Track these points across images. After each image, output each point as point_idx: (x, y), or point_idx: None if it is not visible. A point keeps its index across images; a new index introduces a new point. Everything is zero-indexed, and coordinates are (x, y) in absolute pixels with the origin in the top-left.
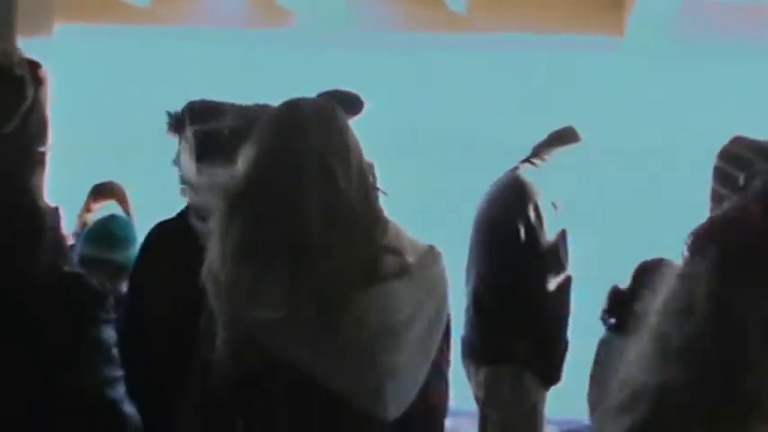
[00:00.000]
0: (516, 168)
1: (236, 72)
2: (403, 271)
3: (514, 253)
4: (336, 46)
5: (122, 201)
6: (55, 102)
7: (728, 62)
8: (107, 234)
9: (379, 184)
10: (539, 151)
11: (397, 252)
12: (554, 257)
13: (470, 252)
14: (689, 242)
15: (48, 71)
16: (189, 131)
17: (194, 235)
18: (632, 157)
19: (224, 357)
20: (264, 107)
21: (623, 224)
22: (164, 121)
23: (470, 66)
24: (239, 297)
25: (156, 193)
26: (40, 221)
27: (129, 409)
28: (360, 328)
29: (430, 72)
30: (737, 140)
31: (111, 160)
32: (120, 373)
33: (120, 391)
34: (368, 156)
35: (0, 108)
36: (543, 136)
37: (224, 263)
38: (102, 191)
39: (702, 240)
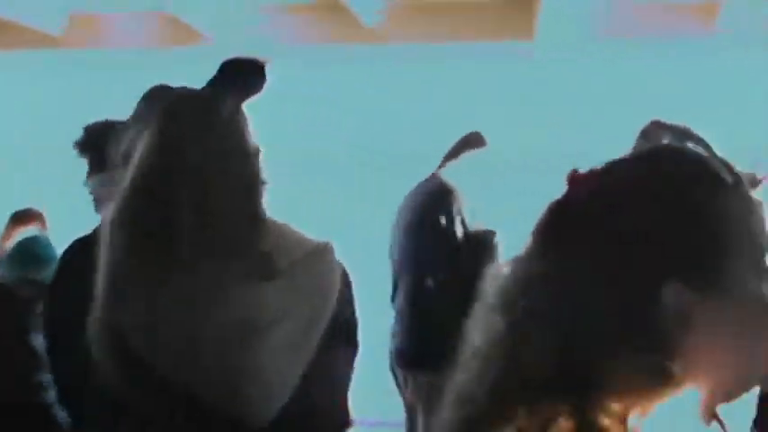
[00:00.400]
0: (435, 175)
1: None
2: (273, 273)
3: (450, 250)
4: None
5: (42, 226)
6: None
7: (640, 59)
8: (29, 254)
9: (264, 176)
10: (450, 159)
11: (268, 254)
12: (488, 250)
13: (397, 258)
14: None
15: None
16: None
17: None
18: (549, 160)
19: (100, 360)
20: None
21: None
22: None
23: (383, 77)
24: (111, 300)
25: (74, 215)
26: None
27: (60, 413)
28: (218, 331)
29: (343, 84)
30: (654, 123)
31: (27, 184)
32: (50, 378)
33: (51, 395)
34: (254, 144)
35: None
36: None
37: (103, 268)
38: (21, 217)
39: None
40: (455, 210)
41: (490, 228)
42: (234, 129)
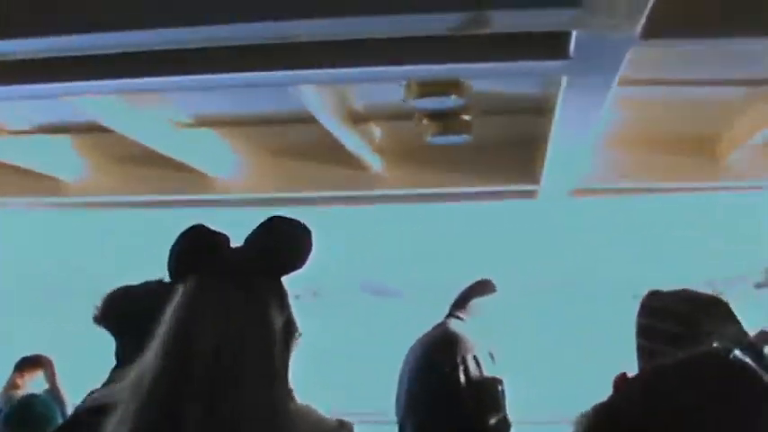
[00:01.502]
0: (444, 323)
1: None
2: None
3: (456, 401)
4: (262, 205)
5: (50, 372)
6: None
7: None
8: (28, 416)
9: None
10: (460, 304)
11: None
12: (494, 402)
13: (403, 404)
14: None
15: None
16: None
17: None
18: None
19: None
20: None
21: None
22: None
23: (393, 219)
24: None
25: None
26: None
27: None
28: None
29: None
30: (654, 295)
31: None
32: None
33: None
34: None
35: None
36: (464, 282)
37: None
38: (28, 364)
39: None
40: (459, 358)
41: (498, 374)
42: (263, 317)
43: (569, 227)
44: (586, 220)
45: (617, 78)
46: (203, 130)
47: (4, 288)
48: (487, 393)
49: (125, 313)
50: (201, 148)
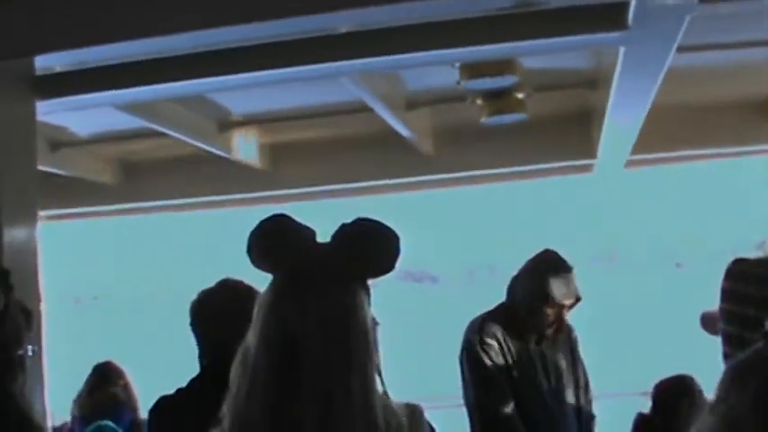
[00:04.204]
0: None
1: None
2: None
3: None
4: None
5: (123, 380)
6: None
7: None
8: None
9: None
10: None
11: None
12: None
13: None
14: (727, 374)
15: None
16: None
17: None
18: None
19: None
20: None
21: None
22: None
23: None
24: None
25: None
26: (27, 425)
27: None
28: None
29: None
30: (740, 261)
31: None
32: None
33: None
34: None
35: None
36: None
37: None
38: (103, 371)
39: (744, 373)
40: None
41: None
42: (355, 320)
43: (616, 199)
44: (633, 191)
45: (675, 46)
46: (253, 126)
47: (78, 296)
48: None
49: (216, 316)
50: (251, 145)
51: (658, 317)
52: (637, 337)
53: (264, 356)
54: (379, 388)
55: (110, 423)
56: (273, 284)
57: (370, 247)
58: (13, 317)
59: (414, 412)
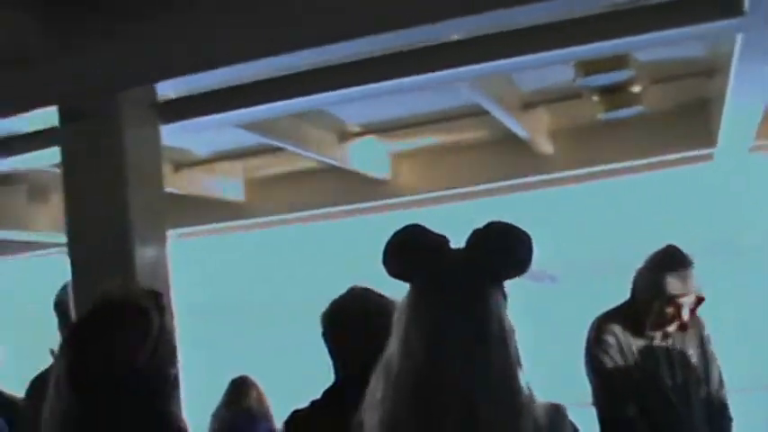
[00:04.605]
0: None
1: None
2: None
3: None
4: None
5: (257, 393)
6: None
7: None
8: None
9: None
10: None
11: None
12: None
13: None
14: None
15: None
16: None
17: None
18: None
19: None
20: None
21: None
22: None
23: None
24: None
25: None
26: None
27: None
28: None
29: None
30: None
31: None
32: None
33: None
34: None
35: (132, 341)
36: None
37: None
38: (239, 385)
39: None
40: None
41: None
42: (495, 318)
43: (739, 187)
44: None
45: None
46: (370, 137)
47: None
48: None
49: (350, 326)
50: (370, 154)
51: None
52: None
53: (407, 365)
54: (525, 389)
55: None
56: (412, 292)
57: (505, 249)
58: (168, 337)
59: (558, 411)
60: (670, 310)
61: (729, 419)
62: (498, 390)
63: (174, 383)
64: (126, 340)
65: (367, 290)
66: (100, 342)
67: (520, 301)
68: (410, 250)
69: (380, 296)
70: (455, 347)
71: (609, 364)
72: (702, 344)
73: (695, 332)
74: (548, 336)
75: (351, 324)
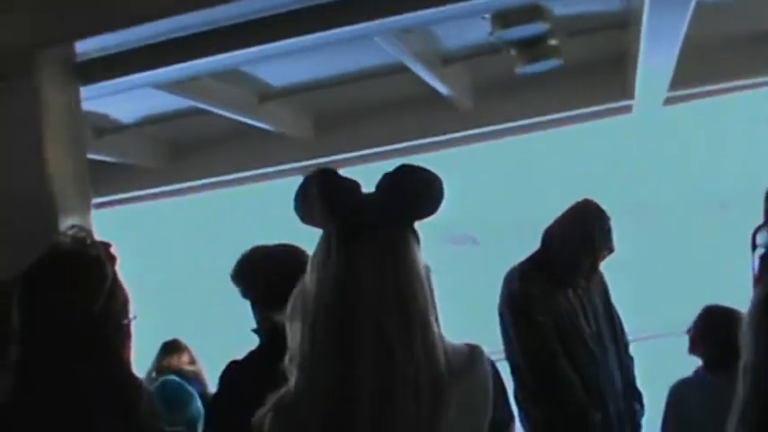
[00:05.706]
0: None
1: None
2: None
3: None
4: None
5: (190, 356)
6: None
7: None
8: (163, 400)
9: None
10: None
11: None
12: None
13: None
14: None
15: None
16: None
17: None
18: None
19: None
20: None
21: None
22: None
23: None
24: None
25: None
26: (140, 390)
27: None
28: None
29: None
30: None
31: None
32: None
33: None
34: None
35: (86, 289)
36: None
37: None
38: (170, 348)
39: None
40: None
41: None
42: (409, 266)
43: (654, 142)
44: (668, 133)
45: None
46: (293, 96)
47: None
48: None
49: (261, 271)
50: (285, 116)
51: (701, 259)
52: (675, 280)
53: (321, 303)
54: (438, 330)
55: (174, 377)
56: (325, 237)
57: (415, 189)
58: (121, 287)
59: (474, 350)
60: (588, 261)
61: (631, 358)
62: (414, 324)
63: (128, 333)
64: (84, 286)
65: (268, 245)
66: (57, 289)
67: (443, 263)
68: (320, 194)
69: (284, 245)
70: (370, 284)
71: (535, 313)
72: (605, 292)
73: (597, 282)
74: (472, 296)
75: (258, 273)
